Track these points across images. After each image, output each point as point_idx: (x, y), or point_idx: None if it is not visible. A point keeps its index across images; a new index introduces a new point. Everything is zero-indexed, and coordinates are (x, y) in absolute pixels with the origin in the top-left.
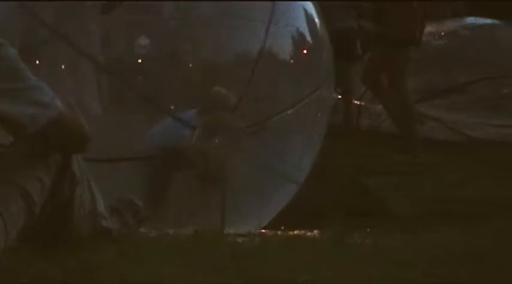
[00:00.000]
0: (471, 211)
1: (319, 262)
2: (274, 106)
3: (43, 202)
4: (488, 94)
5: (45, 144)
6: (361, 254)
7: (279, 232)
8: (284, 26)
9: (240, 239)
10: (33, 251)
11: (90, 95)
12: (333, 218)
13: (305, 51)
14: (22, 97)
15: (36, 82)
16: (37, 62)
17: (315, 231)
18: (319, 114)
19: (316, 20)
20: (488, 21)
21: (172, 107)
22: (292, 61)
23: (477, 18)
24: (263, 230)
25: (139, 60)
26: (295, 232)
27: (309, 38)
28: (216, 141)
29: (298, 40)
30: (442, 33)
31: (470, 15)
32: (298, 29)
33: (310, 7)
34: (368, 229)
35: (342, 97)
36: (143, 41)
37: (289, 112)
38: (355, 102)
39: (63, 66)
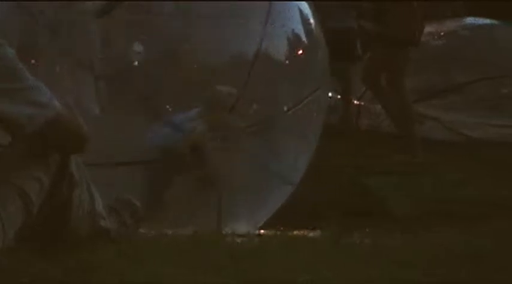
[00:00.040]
0: (471, 211)
1: (318, 262)
2: (270, 107)
3: (41, 202)
4: (487, 94)
5: (43, 144)
6: (361, 254)
7: (278, 232)
8: (280, 26)
9: (239, 240)
10: (32, 252)
11: (88, 95)
12: (328, 219)
13: (300, 52)
14: (20, 97)
15: (34, 82)
16: (35, 62)
17: (315, 231)
18: (315, 114)
19: (312, 20)
20: (488, 21)
21: (172, 107)
22: (287, 62)
23: (477, 19)
24: (262, 231)
25: (139, 61)
26: (295, 232)
27: (304, 39)
28: (216, 141)
29: (294, 41)
30: (442, 33)
31: (470, 15)
32: (293, 29)
33: (305, 7)
34: (368, 229)
35: (341, 97)
36: (137, 47)
37: (285, 112)
38: (355, 102)
39: (61, 67)
